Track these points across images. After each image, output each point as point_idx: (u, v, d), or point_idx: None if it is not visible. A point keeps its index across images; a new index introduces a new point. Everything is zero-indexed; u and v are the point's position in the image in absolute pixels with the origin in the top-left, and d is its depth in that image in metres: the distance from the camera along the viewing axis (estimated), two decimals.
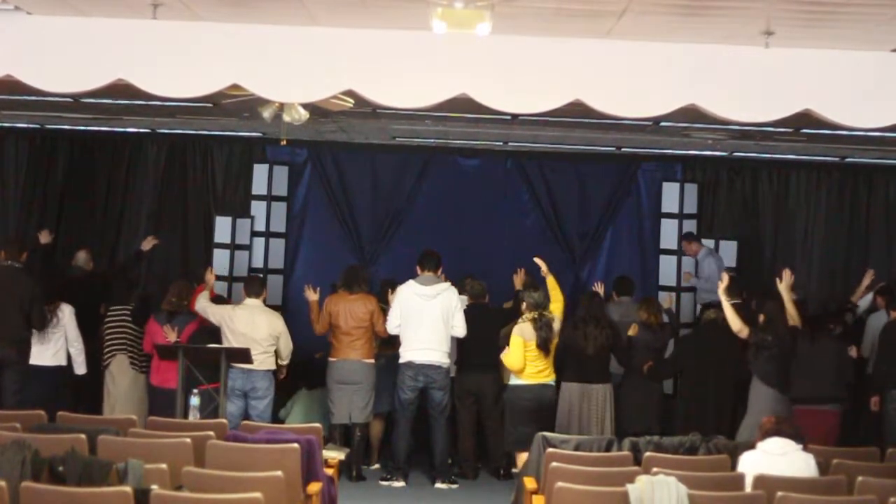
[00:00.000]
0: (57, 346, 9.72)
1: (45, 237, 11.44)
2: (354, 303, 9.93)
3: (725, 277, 8.98)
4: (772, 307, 8.88)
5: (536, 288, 9.28)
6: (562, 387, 9.73)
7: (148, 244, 11.60)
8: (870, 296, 10.99)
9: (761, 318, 8.89)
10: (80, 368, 9.86)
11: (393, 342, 9.99)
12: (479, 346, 9.94)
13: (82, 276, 11.15)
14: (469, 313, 9.89)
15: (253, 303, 9.67)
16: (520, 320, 9.03)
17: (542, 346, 8.99)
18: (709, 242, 12.44)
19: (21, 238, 10.91)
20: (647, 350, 9.98)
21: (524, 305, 9.10)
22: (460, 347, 9.99)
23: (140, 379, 10.06)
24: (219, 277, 11.35)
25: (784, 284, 8.81)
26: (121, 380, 10.05)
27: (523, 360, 8.95)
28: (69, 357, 9.82)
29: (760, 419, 8.55)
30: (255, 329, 9.50)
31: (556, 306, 9.15)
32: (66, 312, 9.74)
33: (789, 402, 8.77)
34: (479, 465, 10.33)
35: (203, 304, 9.61)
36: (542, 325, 8.97)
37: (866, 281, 11.24)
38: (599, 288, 10.36)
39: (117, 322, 10.14)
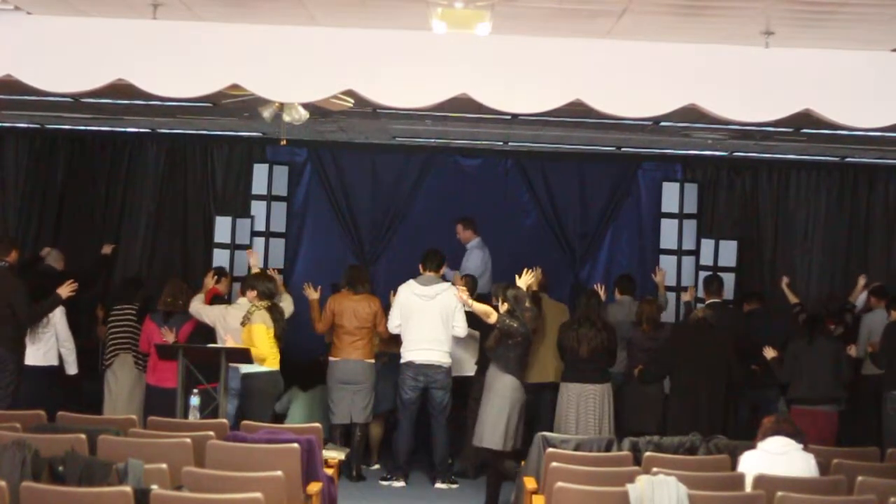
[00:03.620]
0: (47, 345, 9.71)
1: (106, 249, 11.71)
2: (359, 303, 9.93)
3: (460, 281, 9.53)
4: (516, 294, 8.80)
5: (271, 278, 9.40)
6: (560, 387, 9.73)
7: (108, 248, 11.75)
8: (864, 295, 11.01)
9: (504, 306, 8.82)
10: (71, 368, 9.86)
11: (396, 340, 9.98)
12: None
13: (53, 274, 11.08)
14: None
15: (247, 301, 9.68)
16: (254, 308, 9.05)
17: (279, 336, 9.09)
18: (709, 242, 12.44)
19: (11, 237, 10.87)
20: (641, 350, 9.98)
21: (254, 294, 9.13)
22: (482, 348, 9.99)
23: (143, 378, 10.06)
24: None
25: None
26: (123, 379, 10.05)
27: (270, 347, 9.01)
28: (61, 357, 9.81)
29: (500, 407, 8.58)
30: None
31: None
32: (57, 312, 9.72)
33: (523, 388, 8.81)
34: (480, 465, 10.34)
35: (197, 307, 9.62)
36: (277, 315, 9.05)
37: (862, 282, 11.27)
38: (600, 288, 10.34)
39: (122, 322, 10.15)
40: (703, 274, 12.19)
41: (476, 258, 11.63)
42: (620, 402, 9.84)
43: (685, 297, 10.96)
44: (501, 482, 9.01)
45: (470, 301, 8.99)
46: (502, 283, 9.35)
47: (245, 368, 8.94)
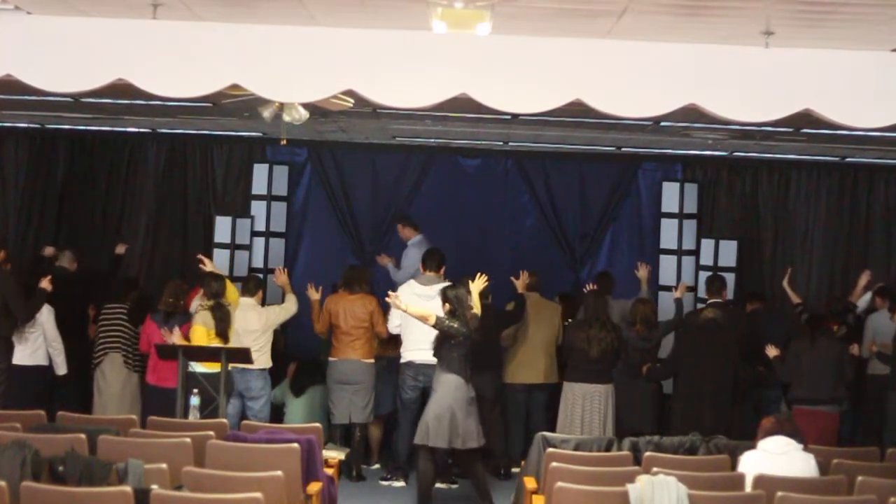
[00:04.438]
0: (35, 345, 9.74)
1: (120, 248, 11.66)
2: (354, 303, 9.95)
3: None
4: (457, 295, 8.77)
5: (218, 278, 9.45)
6: (564, 387, 9.74)
7: (121, 248, 11.71)
8: (868, 295, 10.99)
9: (446, 306, 8.79)
10: (60, 369, 9.88)
11: (394, 343, 9.99)
12: (479, 347, 9.95)
13: (66, 275, 11.10)
14: None
15: (247, 302, 9.70)
16: (198, 308, 9.18)
17: (222, 334, 9.14)
18: (709, 242, 12.43)
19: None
20: (635, 350, 9.98)
21: (202, 293, 9.30)
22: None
23: (133, 378, 10.09)
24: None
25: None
26: (112, 379, 10.07)
27: None
28: (50, 357, 9.83)
29: (442, 406, 8.56)
30: (247, 323, 9.56)
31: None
32: (44, 312, 9.75)
33: (471, 388, 8.74)
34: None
35: (197, 305, 9.64)
36: (219, 314, 9.13)
37: (863, 281, 11.21)
38: (592, 288, 10.31)
39: (111, 321, 10.17)
40: (703, 274, 12.20)
41: (413, 256, 11.56)
42: (616, 402, 9.84)
43: (676, 294, 10.93)
44: (483, 476, 8.98)
45: (403, 305, 8.82)
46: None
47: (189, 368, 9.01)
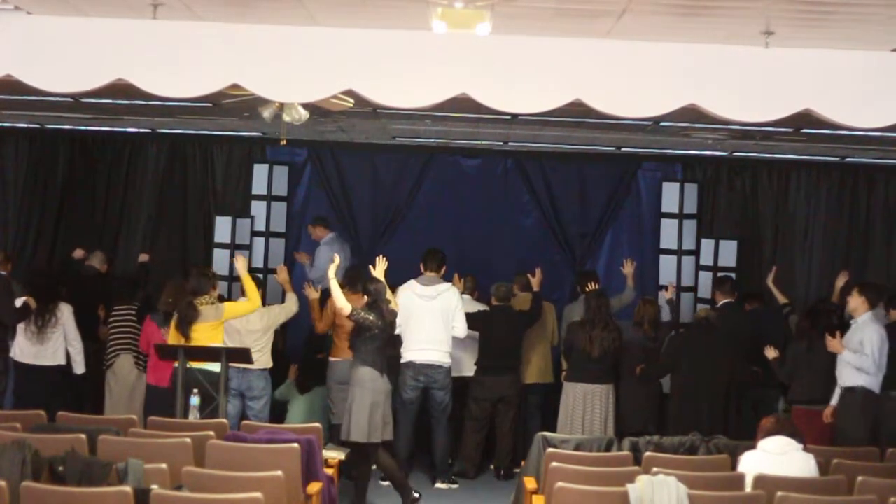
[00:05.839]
0: (55, 345, 9.80)
1: (143, 257, 11.83)
2: (357, 302, 9.92)
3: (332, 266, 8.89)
4: (376, 288, 8.75)
5: (202, 274, 9.49)
6: (564, 387, 9.74)
7: (144, 257, 11.84)
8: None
9: (365, 298, 8.77)
10: (79, 368, 9.94)
11: (394, 344, 9.98)
12: (502, 348, 9.98)
13: (95, 275, 11.16)
14: (493, 315, 9.91)
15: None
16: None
17: (183, 333, 9.09)
18: (709, 242, 12.43)
19: None
20: (641, 350, 9.98)
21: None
22: (482, 349, 10.03)
23: (143, 379, 10.09)
24: (219, 277, 11.34)
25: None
26: (124, 379, 10.10)
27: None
28: (69, 356, 9.87)
29: (360, 398, 8.55)
30: (249, 323, 9.55)
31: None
32: (65, 312, 9.80)
33: (387, 380, 8.73)
34: (482, 463, 10.36)
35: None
36: (181, 312, 9.07)
37: (840, 282, 11.14)
38: (593, 286, 10.30)
39: (122, 322, 10.19)
40: (703, 274, 12.20)
41: (325, 253, 11.52)
42: (617, 402, 9.84)
43: (666, 294, 10.91)
44: (369, 479, 8.97)
45: (332, 275, 8.81)
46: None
47: None
